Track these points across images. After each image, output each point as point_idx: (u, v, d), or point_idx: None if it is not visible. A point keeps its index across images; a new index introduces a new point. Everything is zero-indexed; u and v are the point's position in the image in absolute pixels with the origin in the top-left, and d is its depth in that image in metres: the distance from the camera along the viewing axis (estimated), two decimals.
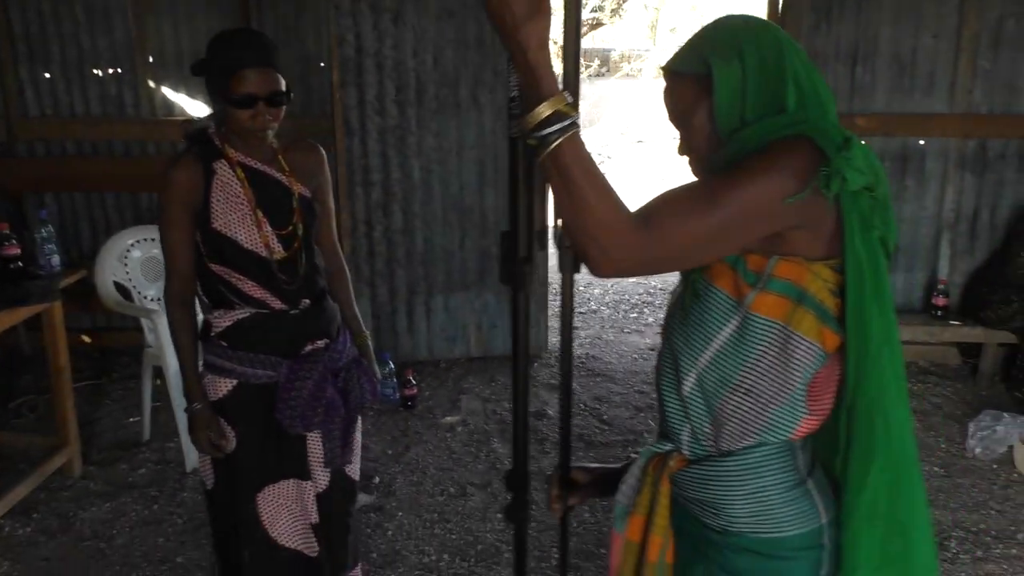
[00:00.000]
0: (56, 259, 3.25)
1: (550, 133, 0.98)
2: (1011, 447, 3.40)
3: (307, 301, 2.10)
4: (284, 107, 1.97)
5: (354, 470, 2.27)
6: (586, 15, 14.90)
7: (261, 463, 2.09)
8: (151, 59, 4.34)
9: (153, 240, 3.68)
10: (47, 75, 4.33)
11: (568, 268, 1.24)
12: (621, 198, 1.03)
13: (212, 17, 4.29)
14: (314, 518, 2.14)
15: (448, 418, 3.85)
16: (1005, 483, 3.27)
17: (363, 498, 3.12)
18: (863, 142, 1.08)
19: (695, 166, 1.22)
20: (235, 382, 2.05)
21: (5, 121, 4.33)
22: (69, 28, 4.27)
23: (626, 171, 11.35)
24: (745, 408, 1.14)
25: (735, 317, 1.11)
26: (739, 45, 1.13)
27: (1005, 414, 3.48)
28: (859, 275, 1.07)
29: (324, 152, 2.20)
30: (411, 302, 4.34)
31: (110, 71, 4.35)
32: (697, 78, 1.15)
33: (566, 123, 0.98)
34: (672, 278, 5.42)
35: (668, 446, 1.24)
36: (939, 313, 4.19)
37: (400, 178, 4.16)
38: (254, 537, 2.08)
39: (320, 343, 2.12)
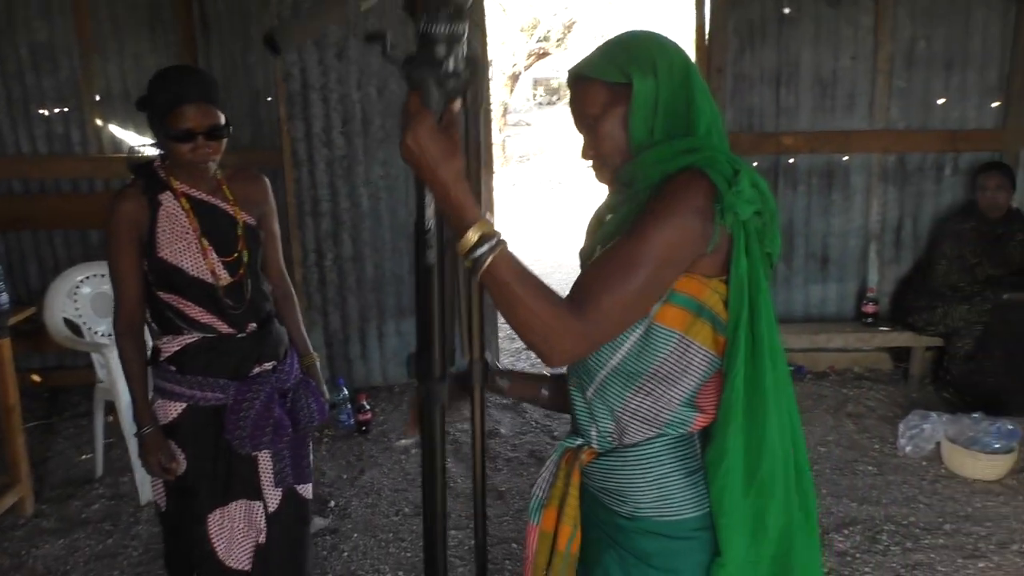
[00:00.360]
0: (4, 297, 3.24)
1: (482, 254, 1.07)
2: (938, 444, 3.58)
3: (254, 325, 2.18)
4: (224, 140, 2.05)
5: (307, 490, 2.33)
6: (532, 45, 15.22)
7: (211, 485, 2.14)
8: (98, 97, 4.39)
9: (103, 276, 3.70)
10: None
11: (479, 380, 1.27)
12: (556, 293, 1.13)
13: (159, 55, 4.37)
14: (261, 538, 2.19)
15: (402, 441, 3.91)
16: (933, 478, 3.45)
17: (319, 522, 3.17)
18: (748, 166, 1.20)
19: (600, 172, 1.30)
20: (184, 405, 2.12)
21: None
22: (13, 67, 4.31)
23: (577, 194, 11.57)
24: (645, 408, 1.25)
25: (640, 326, 1.22)
26: (654, 60, 1.21)
27: (932, 413, 3.66)
28: (739, 293, 1.18)
29: (268, 181, 2.28)
30: (363, 328, 4.41)
31: (56, 110, 4.38)
32: (609, 86, 1.22)
33: (493, 242, 1.08)
34: None
35: (579, 441, 1.35)
36: (869, 320, 4.40)
37: (349, 207, 4.25)
38: (204, 558, 2.13)
39: (267, 365, 2.19)
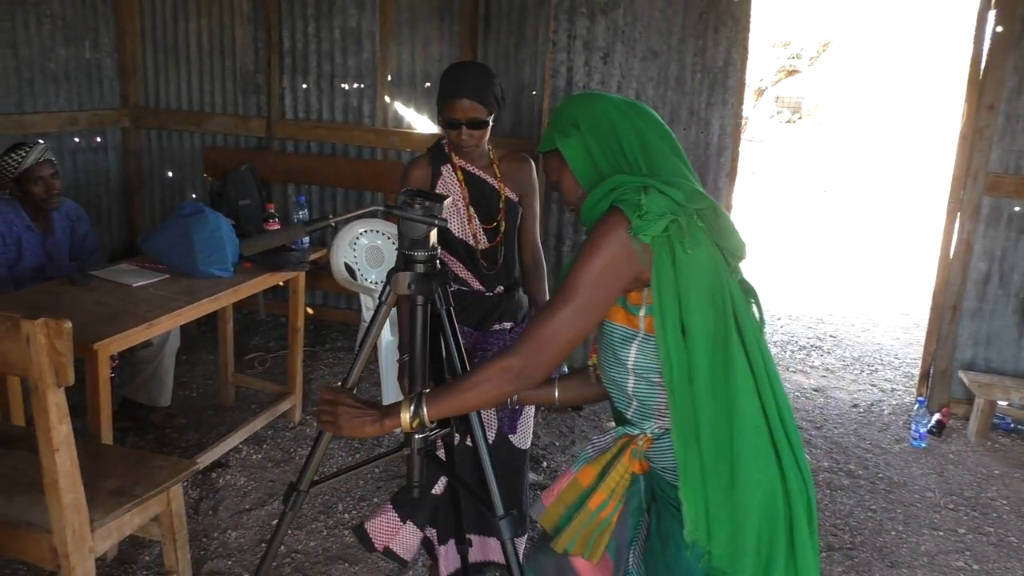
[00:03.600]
0: (307, 237, 3.88)
1: (420, 412, 1.47)
2: None
3: (501, 288, 2.53)
4: (486, 130, 2.40)
5: (521, 440, 2.61)
6: (783, 62, 14.85)
7: None
8: (389, 78, 5.01)
9: (377, 231, 4.28)
10: (304, 85, 5.12)
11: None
12: (482, 366, 1.43)
13: (444, 45, 4.89)
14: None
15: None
16: None
17: (531, 476, 3.51)
18: (671, 183, 1.39)
19: (577, 215, 1.55)
20: None
21: (267, 121, 5.15)
22: (327, 47, 5.03)
23: (810, 221, 11.20)
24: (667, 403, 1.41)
25: (634, 341, 1.43)
26: (575, 119, 1.48)
27: None
28: (660, 300, 1.34)
29: (534, 164, 2.62)
30: None
31: (355, 85, 5.06)
32: (554, 153, 1.53)
33: (414, 398, 1.48)
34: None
35: (636, 431, 1.51)
36: None
37: None
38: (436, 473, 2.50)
39: (506, 324, 2.53)
